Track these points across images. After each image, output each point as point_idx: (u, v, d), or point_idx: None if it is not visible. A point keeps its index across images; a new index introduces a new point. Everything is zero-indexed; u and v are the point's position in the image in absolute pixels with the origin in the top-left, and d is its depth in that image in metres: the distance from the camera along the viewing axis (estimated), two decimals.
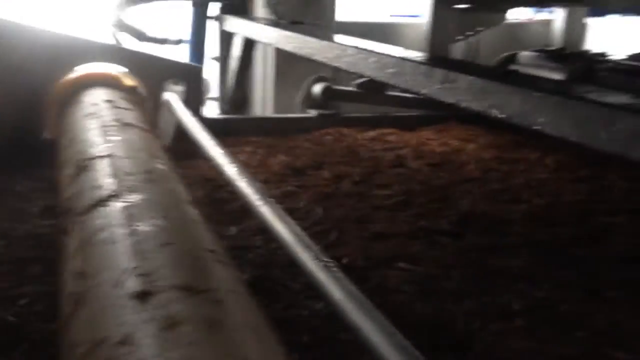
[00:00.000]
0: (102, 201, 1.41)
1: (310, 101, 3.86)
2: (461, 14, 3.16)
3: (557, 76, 3.18)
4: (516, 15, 5.05)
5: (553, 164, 3.04)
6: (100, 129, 2.00)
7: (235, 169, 2.01)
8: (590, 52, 3.87)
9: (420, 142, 3.48)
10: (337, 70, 2.96)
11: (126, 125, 2.12)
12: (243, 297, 1.15)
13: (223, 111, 4.25)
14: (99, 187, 1.50)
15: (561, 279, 1.93)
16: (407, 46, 2.62)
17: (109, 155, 1.72)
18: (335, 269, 1.38)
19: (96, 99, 2.41)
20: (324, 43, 2.72)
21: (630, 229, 2.31)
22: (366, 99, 3.81)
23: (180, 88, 3.09)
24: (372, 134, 3.61)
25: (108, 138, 1.89)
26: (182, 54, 4.08)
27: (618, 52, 4.56)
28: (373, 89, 3.70)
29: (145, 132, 2.17)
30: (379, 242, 2.18)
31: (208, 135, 2.36)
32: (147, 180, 1.58)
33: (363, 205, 2.52)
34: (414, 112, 3.90)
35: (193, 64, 3.64)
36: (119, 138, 1.91)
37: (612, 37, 5.60)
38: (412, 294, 1.84)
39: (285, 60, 4.01)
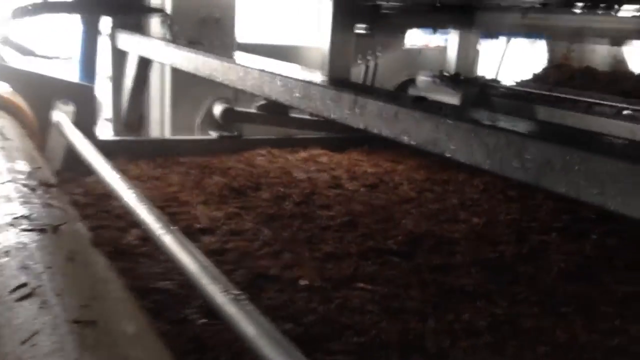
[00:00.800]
0: None
1: (211, 123, 3.75)
2: (360, 38, 3.23)
3: (452, 101, 3.32)
4: (413, 41, 5.22)
5: (481, 184, 3.16)
6: None
7: (134, 195, 1.92)
8: (483, 78, 4.06)
9: (351, 163, 3.52)
10: (237, 91, 2.91)
11: None
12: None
13: (117, 132, 4.00)
14: None
15: (515, 295, 2.00)
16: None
17: None
18: (246, 301, 1.32)
19: None
20: (227, 64, 2.63)
21: (564, 247, 2.44)
22: (269, 121, 3.75)
23: (70, 108, 2.95)
24: (303, 154, 3.61)
25: None
26: (72, 72, 3.88)
27: (508, 75, 4.85)
28: (276, 111, 3.66)
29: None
30: (332, 263, 2.18)
31: (102, 158, 2.24)
32: None
33: (309, 226, 2.50)
34: (343, 134, 3.93)
35: (84, 83, 3.40)
36: None
37: (502, 59, 5.94)
38: (377, 314, 1.84)
39: (183, 80, 3.80)
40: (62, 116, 2.83)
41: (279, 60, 2.72)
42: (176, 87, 4.03)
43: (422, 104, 1.87)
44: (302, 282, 2.02)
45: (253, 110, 3.72)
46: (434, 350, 1.67)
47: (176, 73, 3.87)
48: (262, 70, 2.38)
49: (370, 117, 1.85)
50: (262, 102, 3.61)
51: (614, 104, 3.20)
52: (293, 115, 3.77)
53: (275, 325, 1.74)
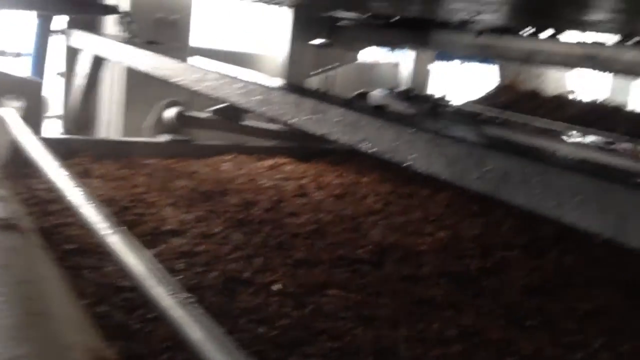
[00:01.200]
0: None
1: (162, 126, 3.63)
2: (317, 50, 3.28)
3: (405, 113, 3.38)
4: (367, 56, 5.30)
5: (445, 199, 3.22)
6: None
7: (81, 192, 1.90)
8: (434, 95, 4.17)
9: (317, 173, 3.54)
10: (192, 94, 2.86)
11: None
12: None
13: (67, 131, 3.95)
14: None
15: (482, 307, 2.05)
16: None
17: None
18: (195, 305, 1.31)
19: None
20: (184, 65, 2.59)
21: (525, 263, 2.51)
22: (223, 126, 3.66)
23: (18, 104, 2.89)
24: (269, 162, 3.62)
25: None
26: (23, 68, 3.77)
27: (458, 95, 4.98)
28: (231, 117, 3.58)
29: None
30: (304, 269, 2.19)
31: (49, 155, 2.22)
32: None
33: (279, 233, 2.51)
34: (311, 144, 3.95)
35: (32, 78, 3.35)
36: None
37: (453, 81, 6.12)
38: (350, 320, 1.87)
39: (136, 81, 3.77)
40: (8, 111, 2.77)
41: (234, 66, 2.70)
42: (130, 88, 3.98)
43: (384, 113, 1.87)
44: (275, 287, 2.03)
45: (207, 115, 3.62)
46: (407, 358, 1.70)
47: (131, 74, 3.82)
48: (221, 73, 2.35)
49: (330, 123, 1.82)
50: (216, 107, 3.52)
51: (559, 129, 3.33)
52: (248, 122, 3.72)
53: (249, 328, 1.76)
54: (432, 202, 3.22)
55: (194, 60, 2.75)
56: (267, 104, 2.11)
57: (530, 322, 1.99)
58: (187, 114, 3.61)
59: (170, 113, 3.61)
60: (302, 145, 3.85)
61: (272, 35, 4.61)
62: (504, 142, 2.11)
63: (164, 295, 1.39)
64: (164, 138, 3.58)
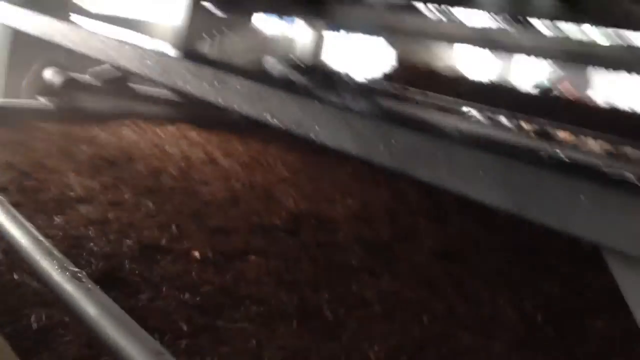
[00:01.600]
0: None
1: (41, 88, 3.36)
2: (210, 16, 3.21)
3: (300, 83, 3.40)
4: (261, 24, 5.26)
5: (351, 168, 3.29)
6: None
7: None
8: (329, 66, 4.22)
9: (222, 140, 3.50)
10: (71, 56, 2.69)
11: None
12: None
13: None
14: None
15: (396, 271, 2.13)
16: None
17: None
18: (85, 279, 1.28)
19: None
20: (71, 27, 2.41)
21: (431, 228, 2.63)
22: (107, 91, 3.46)
23: None
24: (172, 129, 3.53)
25: None
26: None
27: (352, 67, 5.06)
28: (116, 81, 3.41)
29: None
30: (222, 237, 2.17)
31: None
32: None
33: (192, 201, 2.47)
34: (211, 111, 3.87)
35: None
36: None
37: (347, 52, 6.19)
38: (273, 285, 1.88)
39: (19, 42, 3.46)
40: None
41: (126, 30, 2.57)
42: (12, 49, 3.71)
43: (288, 84, 1.83)
44: (195, 254, 2.00)
45: (92, 79, 3.41)
46: (331, 319, 1.74)
47: (12, 34, 3.54)
48: (110, 36, 2.20)
49: (231, 93, 1.74)
50: (97, 68, 3.34)
51: (453, 105, 3.46)
52: (134, 86, 3.56)
53: (172, 294, 1.73)
54: (340, 171, 3.28)
55: (79, 20, 2.59)
56: (163, 71, 1.98)
57: (440, 284, 2.09)
58: (71, 76, 3.37)
59: (51, 75, 3.36)
60: (203, 113, 3.77)
61: (166, 2, 4.43)
62: (410, 117, 2.14)
63: (53, 270, 1.31)
64: (44, 100, 3.35)
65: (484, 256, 2.38)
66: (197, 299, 1.73)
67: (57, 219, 2.09)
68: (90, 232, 2.03)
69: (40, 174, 2.45)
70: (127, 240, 2.01)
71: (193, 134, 3.54)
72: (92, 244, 1.94)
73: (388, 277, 2.08)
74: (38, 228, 1.97)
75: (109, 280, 1.74)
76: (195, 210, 2.38)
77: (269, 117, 1.63)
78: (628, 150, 2.57)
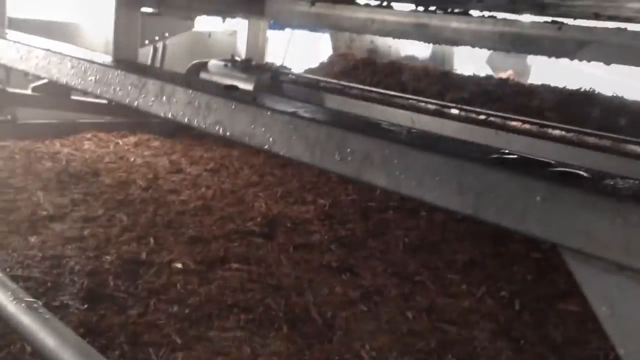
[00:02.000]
0: None
1: None
2: (148, 19, 3.16)
3: (245, 86, 3.39)
4: (203, 25, 5.21)
5: (316, 168, 3.31)
6: None
7: None
8: (274, 65, 4.23)
9: (185, 147, 3.48)
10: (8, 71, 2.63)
11: None
12: None
13: None
14: None
15: (374, 268, 2.18)
16: (87, 48, 2.50)
17: None
18: (42, 310, 1.24)
19: None
20: (5, 42, 2.40)
21: (402, 223, 2.68)
22: (47, 103, 3.32)
23: None
24: (133, 139, 3.49)
25: None
26: None
27: (296, 64, 5.06)
28: (56, 93, 3.26)
29: None
30: (200, 246, 2.18)
31: None
32: None
33: (165, 211, 2.46)
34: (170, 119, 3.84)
35: None
36: None
37: (290, 49, 6.20)
38: (258, 291, 1.90)
39: None
40: None
41: (56, 40, 2.48)
42: None
43: (237, 93, 1.72)
44: (176, 266, 2.00)
45: (29, 92, 3.26)
46: (320, 321, 1.78)
47: None
48: (49, 50, 2.16)
49: (179, 106, 1.70)
50: (38, 83, 3.20)
51: (395, 94, 3.50)
52: (76, 97, 3.38)
53: (161, 308, 1.74)
54: (306, 170, 3.30)
55: (17, 36, 2.52)
56: (105, 85, 1.94)
57: (419, 277, 2.15)
58: (6, 91, 3.23)
59: None
60: (162, 121, 3.73)
61: (96, 3, 4.30)
62: (363, 122, 2.08)
63: (7, 301, 1.27)
64: None
65: (456, 247, 2.44)
66: (186, 311, 1.74)
67: (33, 239, 2.07)
68: (68, 251, 2.01)
69: (8, 195, 2.41)
70: (107, 256, 2.00)
71: (156, 143, 3.51)
72: (72, 262, 1.93)
73: (368, 275, 2.12)
74: (14, 250, 1.97)
75: (95, 298, 1.74)
76: (170, 220, 2.37)
77: (220, 130, 1.60)
78: (579, 138, 2.64)
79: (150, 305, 1.74)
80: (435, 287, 2.09)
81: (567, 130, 2.65)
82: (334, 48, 5.76)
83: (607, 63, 2.62)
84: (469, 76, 4.00)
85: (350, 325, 1.78)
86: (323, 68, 5.18)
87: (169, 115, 1.75)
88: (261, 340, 1.65)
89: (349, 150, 1.30)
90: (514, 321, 1.92)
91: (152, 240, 2.17)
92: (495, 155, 1.15)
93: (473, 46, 3.25)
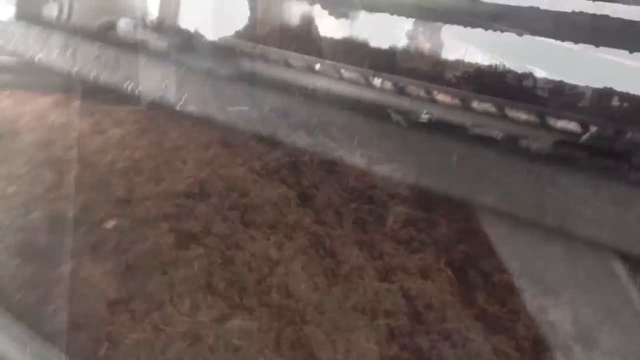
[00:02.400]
0: None
1: None
2: None
3: (158, 47, 3.30)
4: None
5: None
6: None
7: None
8: (187, 28, 4.13)
9: (108, 109, 3.37)
10: None
11: None
12: None
13: None
14: None
15: (310, 225, 2.22)
16: None
17: None
18: None
19: None
20: None
21: (332, 180, 2.73)
22: None
23: None
24: (52, 98, 3.35)
25: None
26: None
27: (210, 28, 4.96)
28: None
29: None
30: (132, 206, 2.15)
31: None
32: None
33: (92, 171, 2.40)
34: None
35: None
36: None
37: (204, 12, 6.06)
38: (195, 248, 1.90)
39: None
40: None
41: None
42: None
43: (147, 49, 1.69)
44: (109, 224, 1.97)
45: None
46: (252, 276, 1.81)
47: None
48: None
49: (86, 60, 1.67)
50: None
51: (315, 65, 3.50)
52: None
53: (96, 264, 1.72)
54: (232, 133, 3.27)
55: None
56: (6, 39, 1.92)
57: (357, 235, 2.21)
58: None
59: None
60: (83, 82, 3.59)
61: None
62: (279, 81, 2.05)
63: None
64: None
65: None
66: (123, 266, 1.73)
67: None
68: None
69: None
70: (34, 214, 1.94)
71: (76, 103, 3.38)
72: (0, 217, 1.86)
73: (301, 233, 2.16)
74: None
75: (26, 253, 1.70)
76: (98, 180, 2.32)
77: (129, 87, 1.59)
78: (489, 106, 2.71)
79: (83, 261, 1.72)
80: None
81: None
82: (251, 13, 5.66)
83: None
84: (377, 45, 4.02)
85: (286, 281, 1.82)
86: (240, 33, 5.11)
87: (75, 70, 1.70)
88: (202, 298, 1.67)
89: (266, 109, 1.32)
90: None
91: (80, 198, 2.12)
92: (414, 117, 1.18)
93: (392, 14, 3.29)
